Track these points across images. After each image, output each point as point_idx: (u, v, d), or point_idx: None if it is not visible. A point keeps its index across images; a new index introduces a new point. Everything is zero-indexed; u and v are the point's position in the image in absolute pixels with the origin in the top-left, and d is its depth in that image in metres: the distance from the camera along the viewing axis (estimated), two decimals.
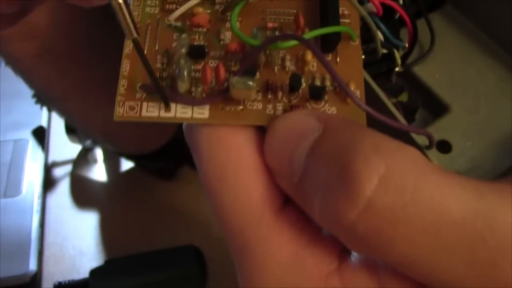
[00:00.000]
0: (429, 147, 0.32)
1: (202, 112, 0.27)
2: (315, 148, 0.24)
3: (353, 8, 0.31)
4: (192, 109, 0.27)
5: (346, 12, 0.31)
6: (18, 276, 0.71)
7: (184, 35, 0.29)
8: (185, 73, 0.27)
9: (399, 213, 0.21)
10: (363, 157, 0.22)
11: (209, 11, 0.30)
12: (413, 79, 0.42)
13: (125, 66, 0.28)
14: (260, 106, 0.27)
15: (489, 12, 0.43)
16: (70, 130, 0.83)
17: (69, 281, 0.71)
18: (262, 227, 0.25)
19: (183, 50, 0.28)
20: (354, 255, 0.24)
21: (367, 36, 0.32)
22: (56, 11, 0.45)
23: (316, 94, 0.27)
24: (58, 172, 0.86)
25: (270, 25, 0.30)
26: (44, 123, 0.90)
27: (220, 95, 0.27)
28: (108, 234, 0.81)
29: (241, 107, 0.27)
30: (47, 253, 0.77)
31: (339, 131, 0.24)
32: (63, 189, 0.84)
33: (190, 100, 0.27)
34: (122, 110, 0.27)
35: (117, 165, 0.88)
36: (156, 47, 0.29)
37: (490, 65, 0.42)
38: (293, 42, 0.28)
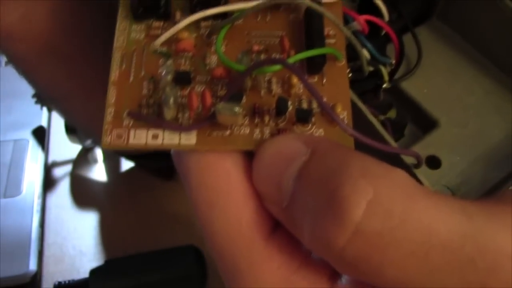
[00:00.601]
0: (417, 166, 0.33)
1: (189, 138, 0.27)
2: (302, 173, 0.24)
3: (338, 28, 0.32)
4: (180, 135, 0.27)
5: (331, 32, 0.31)
6: (18, 276, 0.72)
7: (169, 62, 0.29)
8: (171, 100, 0.27)
9: (388, 237, 0.21)
10: (351, 182, 0.22)
11: (194, 35, 0.31)
12: (401, 95, 0.42)
13: (112, 94, 0.29)
14: (247, 130, 0.28)
15: (476, 25, 0.44)
16: (70, 130, 0.83)
17: (69, 281, 0.71)
18: (253, 253, 0.26)
19: (169, 77, 0.28)
20: (345, 277, 0.25)
21: (353, 54, 0.32)
22: (59, 10, 0.45)
23: (303, 117, 0.28)
24: (58, 172, 0.86)
25: (255, 48, 0.31)
26: (44, 123, 0.90)
27: (207, 121, 0.27)
28: (108, 234, 0.81)
29: (228, 132, 0.27)
30: (47, 253, 0.77)
31: (326, 154, 0.24)
32: (63, 189, 0.85)
33: (177, 126, 0.27)
34: (109, 139, 0.27)
35: (117, 165, 0.88)
36: (142, 73, 0.29)
37: (478, 79, 0.43)
38: (278, 67, 0.29)
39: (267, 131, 0.28)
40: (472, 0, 0.43)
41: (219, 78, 0.29)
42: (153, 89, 0.29)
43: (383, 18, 0.38)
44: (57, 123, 0.89)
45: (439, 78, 0.43)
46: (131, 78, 0.29)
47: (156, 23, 0.31)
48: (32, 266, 0.73)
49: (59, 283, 0.71)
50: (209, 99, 0.27)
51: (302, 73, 0.28)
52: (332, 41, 0.31)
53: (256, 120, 0.28)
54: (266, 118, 0.28)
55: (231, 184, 0.26)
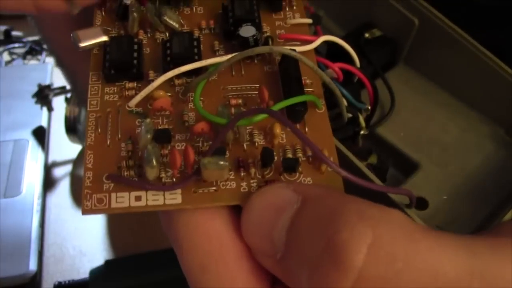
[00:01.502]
0: (409, 205, 0.32)
1: (175, 198, 0.27)
2: (295, 221, 0.23)
3: (315, 76, 0.32)
4: (164, 195, 0.27)
5: (308, 81, 0.32)
6: (18, 276, 0.73)
7: (148, 120, 0.29)
8: (154, 159, 0.26)
9: (394, 281, 0.21)
10: (349, 226, 0.21)
11: (169, 94, 0.31)
12: (379, 140, 0.43)
13: (89, 158, 0.28)
14: (233, 185, 0.27)
15: (441, 66, 0.44)
16: (70, 130, 0.84)
17: (69, 281, 0.73)
18: None
19: (149, 136, 0.28)
20: None
21: (329, 102, 0.32)
22: None
23: (290, 166, 0.28)
24: (58, 172, 0.88)
25: (233, 101, 0.31)
26: (44, 123, 0.91)
27: (192, 178, 0.27)
28: (108, 234, 0.82)
29: (214, 188, 0.27)
30: (47, 253, 0.78)
31: (319, 201, 0.24)
32: (63, 189, 0.86)
33: (160, 186, 0.27)
34: (90, 204, 0.26)
35: None
36: (119, 135, 0.29)
37: (451, 118, 0.43)
38: (261, 116, 0.29)
39: (254, 183, 0.27)
40: (435, 43, 0.44)
41: (200, 134, 0.29)
42: (132, 150, 0.29)
43: (354, 65, 0.39)
44: (57, 123, 0.90)
45: (414, 121, 0.43)
46: (108, 141, 0.29)
47: (130, 84, 0.31)
48: (32, 266, 0.74)
49: (59, 283, 0.72)
50: (192, 156, 0.27)
51: (287, 120, 0.28)
52: (309, 89, 0.32)
53: (242, 174, 0.28)
54: (252, 171, 0.28)
55: (223, 246, 0.25)
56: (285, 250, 0.23)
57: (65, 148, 0.89)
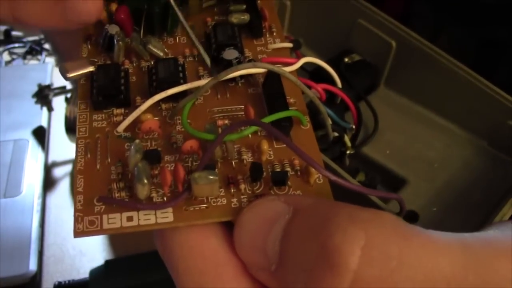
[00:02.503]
0: (400, 213, 0.33)
1: (166, 216, 0.27)
2: (288, 231, 0.24)
3: (298, 95, 0.34)
4: (155, 214, 0.27)
5: (291, 100, 0.33)
6: (18, 276, 0.73)
7: (137, 140, 0.29)
8: (145, 177, 0.27)
9: (390, 280, 0.21)
10: (341, 230, 0.22)
11: (157, 118, 0.32)
12: (365, 159, 0.44)
13: (79, 182, 0.29)
14: (224, 201, 0.28)
15: (421, 85, 0.46)
16: (70, 130, 0.85)
17: (69, 281, 0.73)
18: None
19: (138, 155, 0.29)
20: None
21: (313, 123, 0.33)
22: None
23: (280, 180, 0.29)
24: (58, 172, 0.88)
25: (220, 122, 0.32)
26: (44, 123, 0.91)
27: (183, 195, 0.27)
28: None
29: (205, 205, 0.28)
30: (47, 253, 0.79)
31: (310, 209, 0.24)
32: (63, 189, 0.86)
33: (152, 205, 0.28)
34: (81, 226, 0.27)
35: None
36: (109, 159, 0.30)
37: (434, 134, 0.45)
38: (250, 130, 0.30)
39: (244, 199, 0.28)
40: (413, 63, 0.45)
41: (189, 152, 0.30)
42: (122, 172, 0.29)
43: (336, 86, 0.40)
44: (57, 123, 0.91)
45: (398, 140, 0.45)
46: (98, 165, 0.30)
47: (117, 111, 0.33)
48: (32, 266, 0.74)
49: (59, 283, 0.72)
50: (182, 173, 0.28)
51: (275, 130, 0.29)
52: (293, 108, 0.33)
53: (232, 190, 0.28)
54: (242, 187, 0.29)
55: (219, 266, 0.26)
56: (279, 261, 0.24)
57: (65, 148, 0.89)
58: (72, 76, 0.34)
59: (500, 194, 0.41)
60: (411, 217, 0.39)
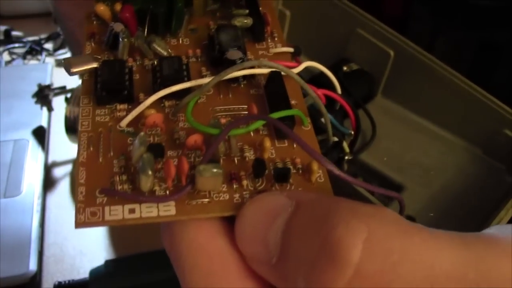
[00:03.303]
0: (400, 212, 0.33)
1: (169, 209, 0.27)
2: (290, 224, 0.24)
3: (300, 97, 0.35)
4: (158, 207, 0.27)
5: (293, 102, 0.34)
6: (18, 276, 0.73)
7: (142, 133, 0.30)
8: (149, 168, 0.27)
9: (390, 274, 0.21)
10: (343, 223, 0.22)
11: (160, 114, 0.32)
12: (363, 166, 0.45)
13: (81, 174, 0.29)
14: (226, 196, 0.28)
15: (418, 94, 0.48)
16: (70, 130, 0.85)
17: (69, 281, 0.73)
18: None
19: (143, 148, 0.29)
20: None
21: (313, 128, 0.34)
22: None
23: (282, 176, 0.29)
24: (58, 172, 0.89)
25: (223, 121, 0.32)
26: (44, 123, 0.92)
27: (186, 188, 0.28)
28: (108, 234, 0.83)
29: (207, 199, 0.28)
30: (47, 253, 0.79)
31: (313, 203, 0.24)
32: (63, 189, 0.87)
33: (154, 198, 0.28)
34: (83, 217, 0.27)
35: None
36: (111, 153, 0.31)
37: (431, 142, 0.46)
38: (256, 125, 0.31)
39: (246, 195, 0.28)
40: (410, 72, 0.46)
41: (193, 147, 0.30)
42: (125, 165, 0.30)
43: (336, 92, 0.41)
44: (57, 123, 0.91)
45: (395, 147, 0.46)
46: (100, 158, 0.30)
47: (121, 106, 0.33)
48: (32, 266, 0.75)
49: (59, 283, 0.73)
50: (186, 166, 0.28)
51: (281, 123, 0.30)
52: (295, 109, 0.33)
53: (235, 186, 0.29)
54: (244, 183, 0.29)
55: (226, 266, 0.26)
56: (280, 253, 0.24)
57: (65, 148, 0.90)
58: (76, 71, 0.35)
59: (495, 202, 0.41)
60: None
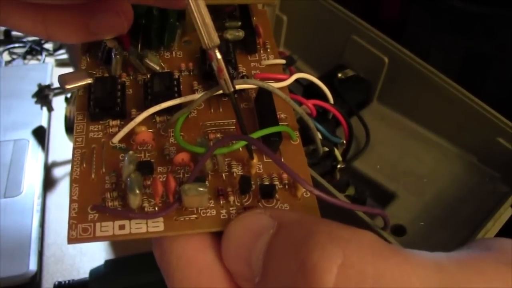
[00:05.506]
0: (384, 227, 0.34)
1: (157, 225, 0.28)
2: (271, 245, 0.25)
3: (289, 111, 0.35)
4: (147, 223, 0.29)
5: (282, 115, 0.35)
6: (18, 276, 0.74)
7: (131, 152, 0.31)
8: (137, 187, 0.29)
9: None
10: (319, 248, 0.23)
11: (151, 131, 0.34)
12: (356, 173, 0.46)
13: (74, 191, 0.31)
14: (213, 212, 0.30)
15: (413, 101, 0.48)
16: (70, 130, 0.84)
17: (69, 281, 0.73)
18: None
19: (132, 166, 0.30)
20: None
21: (304, 138, 0.35)
22: None
23: (267, 193, 0.30)
24: (58, 172, 0.89)
25: (212, 136, 0.34)
26: (44, 123, 0.92)
27: (173, 206, 0.29)
28: None
29: (195, 215, 0.29)
30: (47, 253, 0.80)
31: (293, 225, 0.25)
32: (63, 189, 0.87)
33: (143, 215, 0.29)
34: (75, 233, 0.29)
35: None
36: (103, 169, 0.32)
37: (425, 150, 0.47)
38: (239, 144, 0.32)
39: (233, 210, 0.29)
40: (405, 79, 0.47)
41: (181, 164, 0.31)
42: (116, 182, 0.31)
43: (328, 102, 0.42)
44: (57, 123, 0.91)
45: (389, 154, 0.47)
46: (93, 175, 0.31)
47: (113, 122, 0.34)
48: (32, 266, 0.75)
49: (59, 283, 0.73)
50: (173, 184, 0.29)
51: (263, 145, 0.30)
52: (284, 123, 0.34)
53: (222, 202, 0.30)
54: (231, 199, 0.30)
55: (213, 278, 0.27)
56: (262, 273, 0.25)
57: (65, 148, 0.90)
58: (71, 88, 0.35)
59: (488, 210, 0.42)
60: (398, 231, 0.41)
